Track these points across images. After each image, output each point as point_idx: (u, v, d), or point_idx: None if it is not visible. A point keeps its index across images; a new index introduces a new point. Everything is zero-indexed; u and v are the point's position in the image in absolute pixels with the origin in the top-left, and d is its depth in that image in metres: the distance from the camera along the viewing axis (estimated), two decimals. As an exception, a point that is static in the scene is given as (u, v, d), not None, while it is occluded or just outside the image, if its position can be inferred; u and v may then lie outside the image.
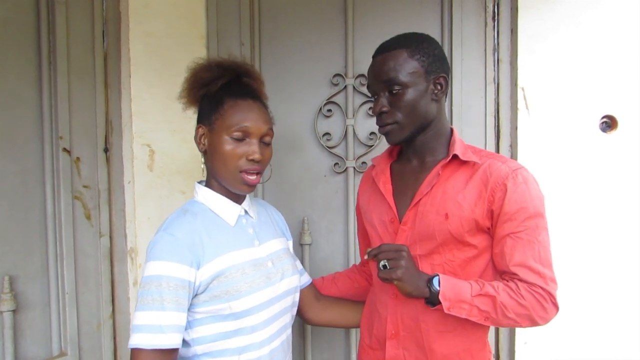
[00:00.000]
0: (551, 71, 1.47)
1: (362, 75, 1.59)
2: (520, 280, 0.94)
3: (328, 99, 1.62)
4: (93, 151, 1.51)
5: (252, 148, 0.98)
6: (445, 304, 0.93)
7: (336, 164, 1.63)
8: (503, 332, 1.56)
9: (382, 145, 1.60)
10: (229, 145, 0.97)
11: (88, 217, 1.49)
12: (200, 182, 1.08)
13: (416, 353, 1.04)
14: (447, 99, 1.30)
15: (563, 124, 1.47)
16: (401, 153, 1.15)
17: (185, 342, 0.95)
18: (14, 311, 1.29)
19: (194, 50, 1.57)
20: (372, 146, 1.61)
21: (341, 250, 1.66)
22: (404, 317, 1.05)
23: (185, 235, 0.94)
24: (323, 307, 1.23)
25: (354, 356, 1.63)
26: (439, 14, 1.58)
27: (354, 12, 1.60)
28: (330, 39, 1.62)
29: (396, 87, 0.99)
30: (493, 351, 1.37)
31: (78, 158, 1.46)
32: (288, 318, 1.11)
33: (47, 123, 1.38)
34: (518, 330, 1.50)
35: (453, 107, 1.56)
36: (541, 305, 0.93)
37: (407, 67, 0.99)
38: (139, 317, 0.89)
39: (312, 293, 1.23)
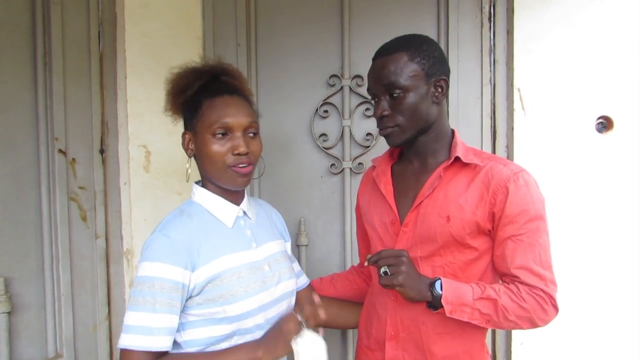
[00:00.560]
0: (547, 72, 1.47)
1: (359, 76, 1.60)
2: (521, 282, 0.95)
3: (324, 100, 1.62)
4: (89, 152, 1.50)
5: (237, 142, 0.97)
6: (447, 308, 0.93)
7: (333, 164, 1.63)
8: (500, 333, 1.56)
9: (379, 146, 1.60)
10: (213, 144, 0.97)
11: (84, 219, 1.48)
12: (197, 182, 1.07)
13: (415, 355, 1.04)
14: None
15: (559, 125, 1.47)
16: (402, 154, 1.15)
17: (177, 344, 0.95)
18: (9, 313, 1.28)
19: (190, 51, 1.57)
20: (368, 147, 1.61)
21: (338, 251, 1.66)
22: (404, 318, 1.05)
23: (181, 237, 0.93)
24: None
25: (350, 358, 1.63)
26: (435, 15, 1.58)
27: (350, 13, 1.60)
28: (326, 39, 1.62)
29: (397, 91, 0.99)
30: (490, 352, 1.37)
31: (74, 159, 1.45)
32: None
33: (42, 124, 1.37)
34: (515, 331, 1.50)
35: (449, 108, 1.56)
36: (542, 307, 0.94)
37: (407, 71, 0.98)
38: (130, 318, 0.88)
39: (310, 294, 1.23)
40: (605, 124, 1.47)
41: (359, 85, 1.60)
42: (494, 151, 1.55)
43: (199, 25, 1.63)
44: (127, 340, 0.87)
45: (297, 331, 0.94)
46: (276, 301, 1.04)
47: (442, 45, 1.56)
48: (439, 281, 0.95)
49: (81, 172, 1.47)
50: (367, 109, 1.60)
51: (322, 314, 0.96)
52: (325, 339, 0.97)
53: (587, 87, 1.46)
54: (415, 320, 1.04)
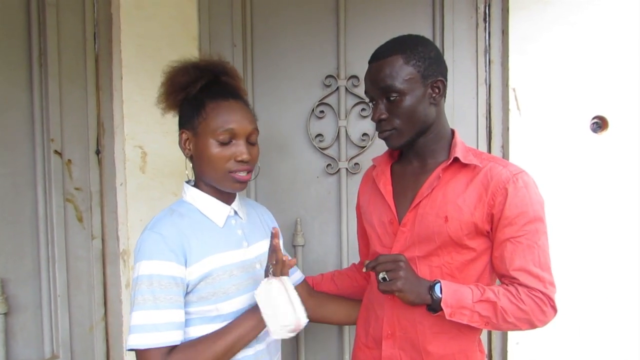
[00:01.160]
0: (542, 72, 1.48)
1: (355, 76, 1.60)
2: (520, 284, 0.95)
3: (320, 100, 1.62)
4: (85, 153, 1.50)
5: (240, 149, 0.98)
6: (447, 311, 0.94)
7: (329, 165, 1.63)
8: (496, 332, 1.57)
9: (375, 146, 1.60)
10: (216, 149, 0.97)
11: (80, 220, 1.48)
12: (188, 182, 1.07)
13: (412, 353, 1.05)
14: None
15: (554, 125, 1.48)
16: (402, 154, 1.15)
17: None
18: (5, 314, 1.28)
19: (186, 52, 1.57)
20: (364, 147, 1.61)
21: (334, 252, 1.66)
22: (400, 317, 1.06)
23: (172, 234, 0.94)
24: (317, 303, 1.22)
25: (347, 356, 1.63)
26: (430, 16, 1.58)
27: (345, 13, 1.61)
28: (322, 40, 1.63)
29: (393, 95, 0.99)
30: (486, 351, 1.37)
31: (69, 160, 1.45)
32: None
33: (38, 125, 1.37)
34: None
35: (445, 108, 1.56)
36: (540, 309, 0.94)
37: (403, 74, 0.98)
38: (134, 318, 0.89)
39: (305, 290, 1.23)
40: (600, 124, 1.47)
41: (355, 86, 1.60)
42: (489, 151, 1.56)
43: (194, 26, 1.63)
44: (133, 340, 0.87)
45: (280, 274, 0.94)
46: None
47: (437, 46, 1.56)
48: (439, 284, 0.95)
49: (77, 173, 1.47)
50: (363, 110, 1.60)
51: (292, 262, 0.95)
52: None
53: (582, 87, 1.46)
54: (412, 319, 1.04)
